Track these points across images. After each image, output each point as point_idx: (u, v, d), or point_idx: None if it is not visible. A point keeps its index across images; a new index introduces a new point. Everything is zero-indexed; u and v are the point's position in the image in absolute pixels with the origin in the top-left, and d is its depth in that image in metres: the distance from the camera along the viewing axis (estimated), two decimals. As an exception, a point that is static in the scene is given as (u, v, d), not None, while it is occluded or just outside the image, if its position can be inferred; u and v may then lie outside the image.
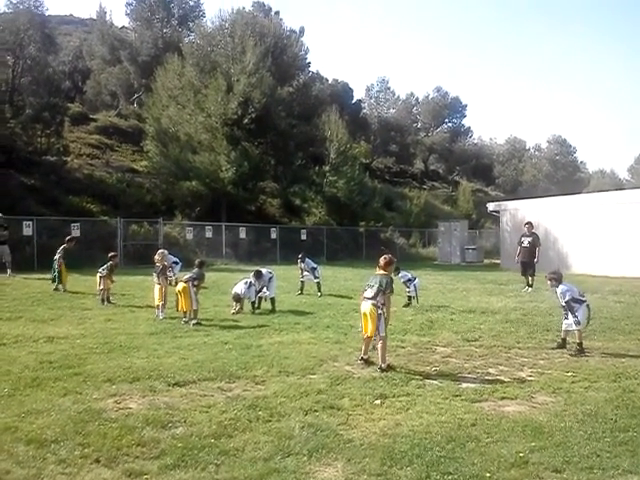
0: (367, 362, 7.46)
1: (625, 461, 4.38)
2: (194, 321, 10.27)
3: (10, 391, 5.96)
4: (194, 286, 10.54)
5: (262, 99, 30.59)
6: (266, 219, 33.30)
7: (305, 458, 4.39)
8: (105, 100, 44.47)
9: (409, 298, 13.08)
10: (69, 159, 31.10)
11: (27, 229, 21.49)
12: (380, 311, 7.24)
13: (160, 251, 11.94)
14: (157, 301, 11.09)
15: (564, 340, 8.69)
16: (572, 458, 4.43)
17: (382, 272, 7.52)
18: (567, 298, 8.43)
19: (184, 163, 30.16)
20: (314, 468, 4.24)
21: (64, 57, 40.75)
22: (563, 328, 8.69)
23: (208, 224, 28.28)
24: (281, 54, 36.12)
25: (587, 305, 8.56)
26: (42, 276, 16.50)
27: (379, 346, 7.23)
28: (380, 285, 7.28)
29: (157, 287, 11.14)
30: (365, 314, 7.35)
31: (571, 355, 8.17)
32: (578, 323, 8.36)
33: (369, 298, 7.33)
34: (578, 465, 4.32)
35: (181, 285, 10.60)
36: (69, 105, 36.09)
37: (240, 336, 9.19)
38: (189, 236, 27.60)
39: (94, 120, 38.71)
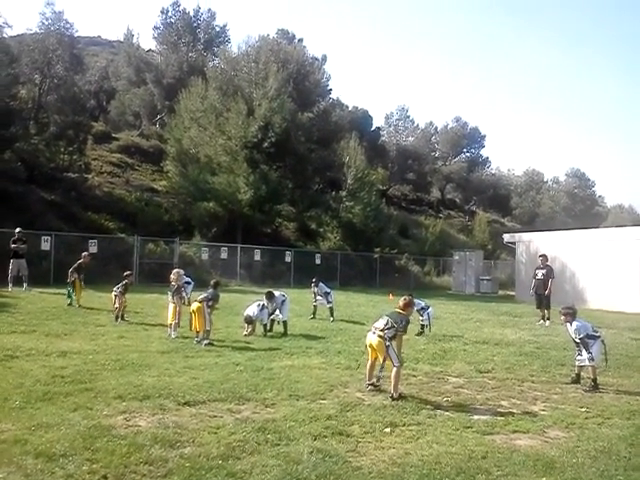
0: (375, 387, 7.47)
1: (639, 501, 4.29)
2: (206, 341, 10.28)
3: (21, 404, 6.00)
4: (208, 307, 10.58)
5: (282, 124, 30.94)
6: (281, 242, 33.39)
7: (313, 484, 4.36)
8: (128, 120, 45.30)
9: (422, 327, 12.98)
10: (90, 176, 31.57)
11: (45, 244, 21.73)
12: (388, 343, 7.20)
13: (175, 270, 12.02)
14: (170, 320, 11.13)
15: (578, 375, 8.56)
16: (584, 496, 4.35)
17: (401, 312, 7.52)
18: (582, 335, 8.32)
19: (203, 184, 30.45)
20: (321, 495, 4.20)
21: (90, 77, 41.67)
22: (577, 364, 8.57)
23: (224, 245, 28.42)
24: (303, 80, 36.60)
25: (602, 340, 8.44)
26: (58, 291, 16.63)
27: (393, 374, 7.15)
28: (396, 322, 7.28)
29: (171, 306, 11.20)
30: (371, 345, 7.37)
31: (585, 391, 8.04)
32: (592, 359, 8.24)
33: (378, 329, 7.30)
34: (590, 503, 4.24)
35: (196, 305, 10.63)
36: (93, 124, 36.76)
37: (251, 358, 9.18)
38: (204, 256, 27.74)
39: (116, 139, 39.39)
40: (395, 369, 7.15)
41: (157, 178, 35.89)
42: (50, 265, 21.20)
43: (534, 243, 28.88)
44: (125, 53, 44.67)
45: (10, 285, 17.73)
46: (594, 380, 8.23)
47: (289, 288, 22.60)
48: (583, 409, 6.98)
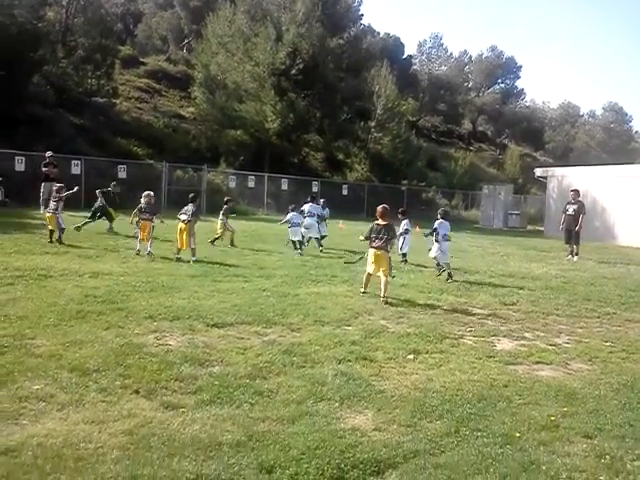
0: (365, 293, 8.82)
1: (659, 432, 4.32)
2: (194, 258, 10.86)
3: (55, 321, 6.21)
4: (194, 222, 11.28)
5: (311, 50, 30.17)
6: (308, 172, 33.20)
7: (337, 404, 4.48)
8: (155, 44, 44.56)
9: (404, 256, 12.92)
10: (118, 101, 31.44)
11: (75, 168, 21.98)
12: (390, 255, 8.88)
13: (146, 193, 12.17)
14: (144, 236, 11.59)
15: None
16: (604, 426, 4.40)
17: (383, 222, 8.84)
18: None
19: (230, 111, 30.17)
20: (345, 414, 4.32)
21: (117, -1, 40.79)
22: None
23: (251, 174, 28.41)
24: (334, 5, 35.33)
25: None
26: (88, 214, 16.87)
27: (386, 281, 8.58)
28: (387, 234, 8.75)
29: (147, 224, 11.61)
30: (378, 257, 8.68)
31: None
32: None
33: (380, 247, 8.70)
34: (610, 433, 4.29)
35: (182, 225, 11.16)
36: (120, 48, 36.23)
37: (278, 284, 9.31)
38: (232, 184, 27.82)
39: (144, 64, 38.84)
40: (388, 278, 8.67)
41: (185, 104, 35.58)
42: (81, 189, 21.43)
43: (567, 178, 28.21)
44: (152, -26, 43.46)
45: (42, 207, 18.02)
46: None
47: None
48: (608, 343, 6.98)
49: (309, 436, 3.87)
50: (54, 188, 13.49)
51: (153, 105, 34.03)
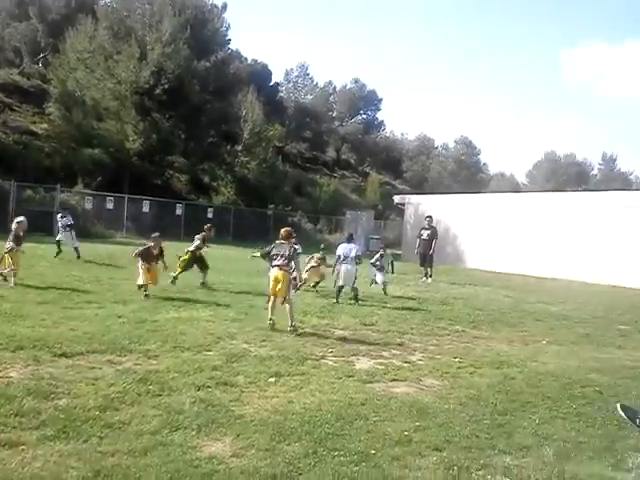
0: (273, 326, 8.25)
1: (501, 442, 4.63)
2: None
3: None
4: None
5: (176, 70, 29.74)
6: (173, 194, 32.44)
7: (194, 432, 4.33)
8: (8, 57, 41.56)
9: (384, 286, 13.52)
10: (-39, 114, 28.80)
11: None
12: (291, 277, 8.54)
13: (17, 220, 11.38)
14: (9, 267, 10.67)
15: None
16: (453, 438, 4.64)
17: (285, 242, 8.66)
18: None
19: (88, 129, 28.84)
20: (202, 442, 4.18)
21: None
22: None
23: (109, 195, 27.18)
24: (201, 28, 35.14)
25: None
26: None
27: (289, 307, 8.35)
28: (289, 254, 8.51)
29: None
30: (277, 278, 8.36)
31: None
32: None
33: (279, 265, 8.44)
34: (458, 444, 4.53)
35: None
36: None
37: (135, 310, 8.90)
38: (88, 205, 26.44)
39: (-7, 76, 36.02)
40: (289, 300, 8.43)
41: (38, 121, 33.39)
42: None
43: (422, 205, 30.05)
44: (4, -17, 40.64)
45: None
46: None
47: (179, 241, 22.05)
48: (457, 359, 7.43)
49: (162, 467, 3.69)
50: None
51: (2, 120, 31.56)
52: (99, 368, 5.78)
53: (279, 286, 8.36)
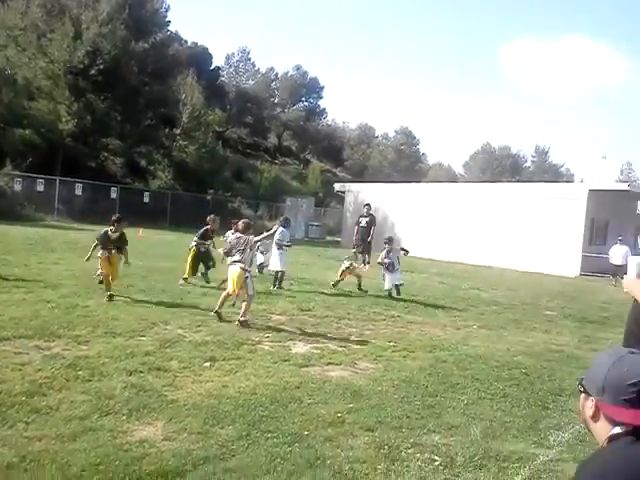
0: (220, 316, 7.95)
1: (431, 422, 4.77)
2: None
3: None
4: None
5: (113, 51, 28.83)
6: (107, 178, 31.45)
7: (124, 417, 4.26)
8: None
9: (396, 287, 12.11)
10: None
11: None
12: (247, 274, 7.99)
13: None
14: None
15: None
16: (385, 419, 4.75)
17: (242, 235, 8.29)
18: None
19: (18, 109, 27.59)
20: (132, 427, 4.12)
21: None
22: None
23: (40, 177, 26.12)
24: (139, 8, 34.17)
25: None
26: None
27: (245, 303, 7.89)
28: (246, 245, 8.08)
29: None
30: (233, 278, 7.93)
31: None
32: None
33: (238, 261, 8.00)
34: (389, 425, 4.64)
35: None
36: None
37: (66, 295, 8.63)
38: (17, 187, 25.36)
39: None
40: (249, 297, 7.93)
41: (-38, 98, 31.61)
42: None
43: (362, 193, 30.33)
44: None
45: None
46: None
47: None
48: (391, 343, 7.58)
49: (91, 452, 3.62)
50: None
51: None
52: (26, 353, 5.59)
53: (241, 284, 7.92)
